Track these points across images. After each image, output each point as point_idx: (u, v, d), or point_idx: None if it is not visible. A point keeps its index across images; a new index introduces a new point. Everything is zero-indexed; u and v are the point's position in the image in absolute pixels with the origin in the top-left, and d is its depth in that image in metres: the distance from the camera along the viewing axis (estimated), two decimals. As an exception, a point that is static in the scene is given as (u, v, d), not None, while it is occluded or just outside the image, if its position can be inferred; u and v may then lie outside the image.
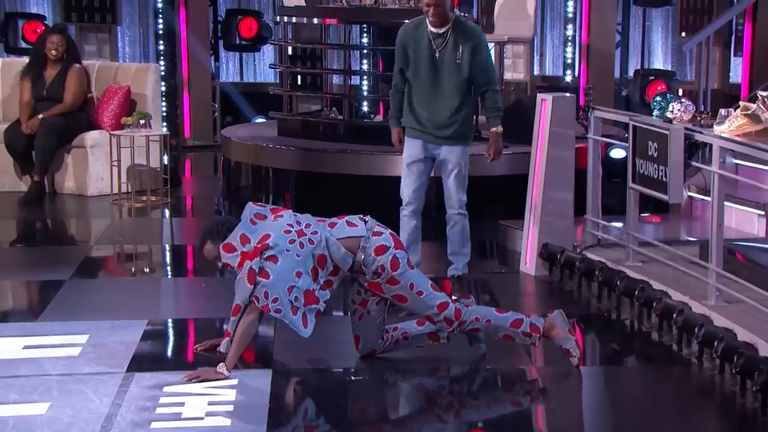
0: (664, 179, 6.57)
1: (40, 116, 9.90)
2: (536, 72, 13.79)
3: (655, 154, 6.64)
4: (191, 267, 8.13)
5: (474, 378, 5.77)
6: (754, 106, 6.22)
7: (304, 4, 10.28)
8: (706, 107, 10.60)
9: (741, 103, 6.35)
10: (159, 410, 5.04)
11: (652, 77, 11.38)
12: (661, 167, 6.59)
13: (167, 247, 8.82)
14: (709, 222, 6.47)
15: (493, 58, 7.60)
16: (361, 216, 5.62)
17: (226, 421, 4.94)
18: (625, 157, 7.22)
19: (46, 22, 12.71)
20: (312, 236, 5.46)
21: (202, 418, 4.97)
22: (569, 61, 13.90)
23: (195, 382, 5.35)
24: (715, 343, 5.59)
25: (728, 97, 12.49)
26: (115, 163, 9.75)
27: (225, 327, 5.55)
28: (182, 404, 5.12)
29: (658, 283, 6.57)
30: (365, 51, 11.34)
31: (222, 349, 5.45)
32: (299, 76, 11.56)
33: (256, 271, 5.32)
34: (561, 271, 7.35)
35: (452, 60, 6.83)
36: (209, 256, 5.62)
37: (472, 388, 5.69)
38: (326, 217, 5.64)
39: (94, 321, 6.32)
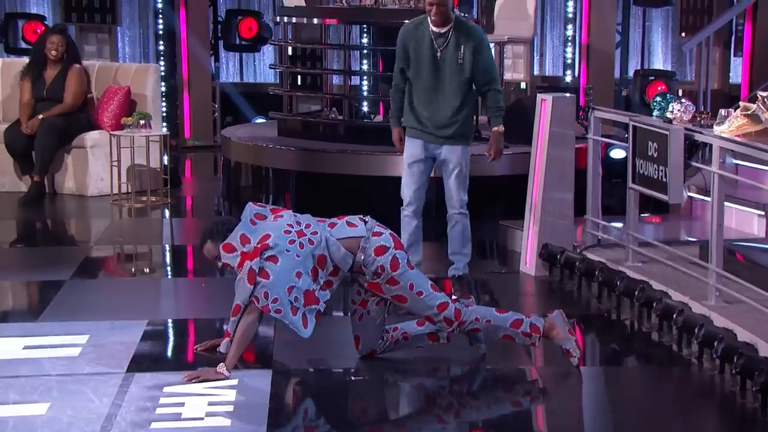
0: (664, 179, 6.57)
1: (40, 116, 9.90)
2: (536, 72, 13.78)
3: (655, 155, 6.64)
4: (191, 267, 8.13)
5: (474, 378, 5.77)
6: (754, 106, 6.22)
7: (304, 4, 10.28)
8: (706, 107, 10.60)
9: (741, 104, 6.35)
10: (159, 410, 5.04)
11: (652, 77, 11.37)
12: (661, 167, 6.59)
13: (167, 247, 8.82)
14: (709, 222, 6.47)
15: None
16: (361, 216, 5.62)
17: (226, 422, 4.94)
18: (625, 157, 7.22)
19: (46, 23, 12.70)
20: (312, 236, 5.46)
21: (202, 419, 4.97)
22: (569, 61, 13.90)
23: (195, 383, 5.35)
24: (715, 344, 5.59)
25: (728, 98, 12.49)
26: (115, 164, 9.75)
27: (225, 327, 5.56)
28: (182, 404, 5.11)
29: (658, 284, 6.57)
30: (365, 51, 11.34)
31: (222, 349, 5.45)
32: (299, 77, 11.55)
33: (256, 271, 5.31)
34: (561, 272, 7.35)
35: (454, 60, 6.83)
36: (209, 256, 5.62)
37: (472, 388, 5.69)
38: (326, 218, 5.64)
39: (94, 321, 6.32)
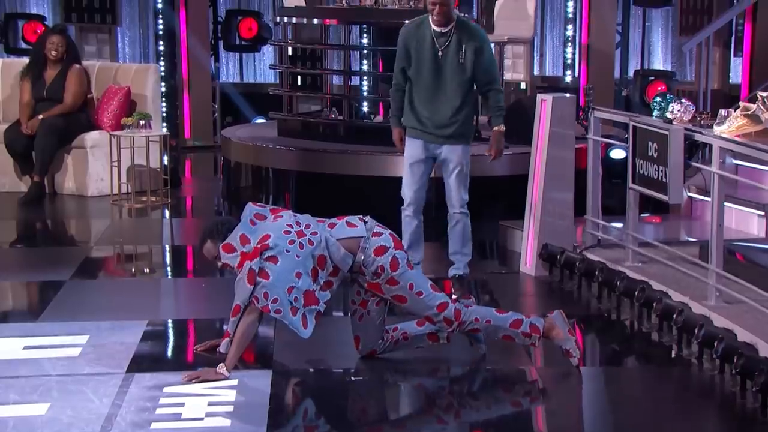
0: (664, 180, 6.57)
1: (40, 117, 9.91)
2: (536, 72, 13.78)
3: (655, 155, 6.64)
4: (191, 267, 8.13)
5: (474, 378, 5.77)
6: (754, 106, 6.22)
7: (304, 4, 10.28)
8: (706, 108, 10.60)
9: (741, 104, 6.35)
10: (159, 411, 5.04)
11: (652, 78, 11.36)
12: (661, 168, 6.59)
13: (167, 247, 8.82)
14: (709, 222, 6.47)
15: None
16: (361, 216, 5.62)
17: (226, 422, 4.94)
18: (625, 158, 7.22)
19: (46, 23, 12.71)
20: (312, 237, 5.46)
21: (202, 419, 4.97)
22: (569, 61, 13.89)
23: (195, 383, 5.35)
24: (715, 344, 5.59)
25: (728, 98, 12.48)
26: (115, 164, 9.75)
27: (225, 327, 5.55)
28: (182, 405, 5.11)
29: (658, 284, 6.57)
30: (365, 51, 11.34)
31: (222, 349, 5.45)
32: (299, 77, 11.54)
33: (256, 271, 5.31)
34: (561, 272, 7.35)
35: (455, 59, 6.83)
36: (209, 256, 5.62)
37: (472, 389, 5.69)
38: (326, 218, 5.64)
39: (94, 321, 6.32)
